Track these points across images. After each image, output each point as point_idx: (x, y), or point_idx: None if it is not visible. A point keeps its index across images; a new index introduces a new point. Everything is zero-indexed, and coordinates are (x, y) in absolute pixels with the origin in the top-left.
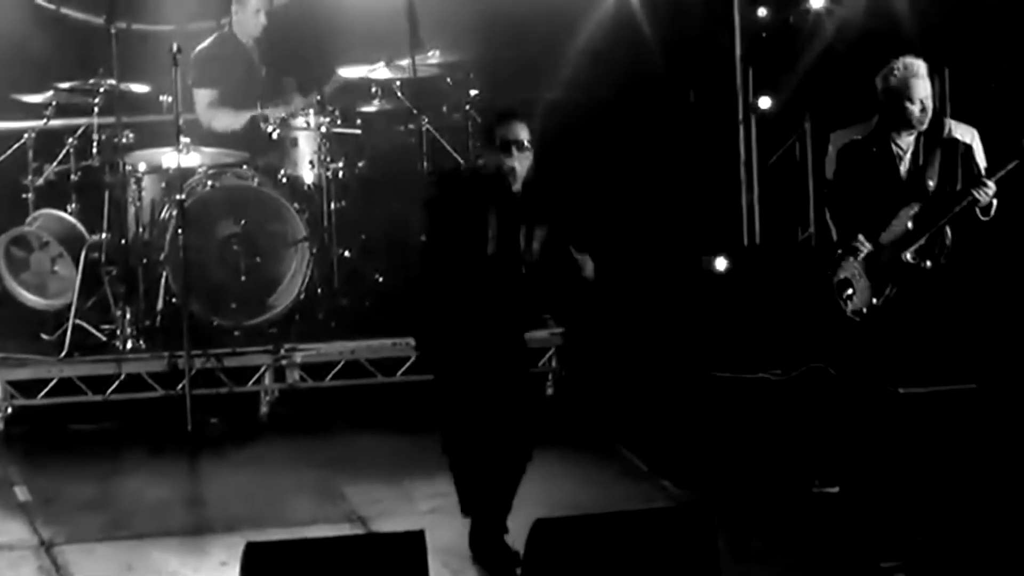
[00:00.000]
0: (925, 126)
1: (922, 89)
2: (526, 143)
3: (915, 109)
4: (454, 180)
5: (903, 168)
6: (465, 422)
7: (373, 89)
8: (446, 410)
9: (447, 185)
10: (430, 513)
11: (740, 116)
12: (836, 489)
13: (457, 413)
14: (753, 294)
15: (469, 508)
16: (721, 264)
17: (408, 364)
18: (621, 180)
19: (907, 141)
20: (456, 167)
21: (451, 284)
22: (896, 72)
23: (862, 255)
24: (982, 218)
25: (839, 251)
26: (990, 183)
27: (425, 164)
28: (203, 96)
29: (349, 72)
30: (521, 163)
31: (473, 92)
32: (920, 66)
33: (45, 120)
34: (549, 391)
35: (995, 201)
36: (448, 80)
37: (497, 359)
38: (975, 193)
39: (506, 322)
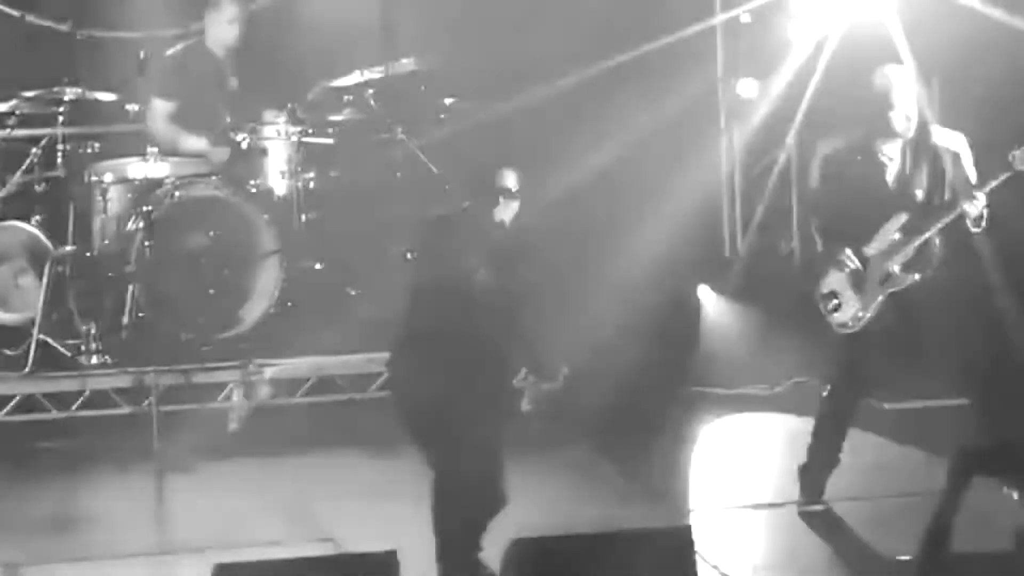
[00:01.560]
0: (911, 134)
1: (906, 98)
2: (515, 190)
3: (899, 117)
4: (440, 228)
5: (889, 177)
6: (451, 470)
7: (346, 98)
8: (429, 457)
9: (433, 233)
10: (404, 532)
11: (723, 125)
12: (822, 507)
13: (443, 459)
14: (736, 307)
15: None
16: None
17: (381, 380)
18: (600, 190)
19: (893, 149)
20: (442, 214)
21: (438, 335)
22: (878, 80)
23: (848, 267)
24: (973, 230)
25: (824, 262)
26: (980, 195)
27: (399, 173)
28: (161, 108)
29: (324, 81)
30: (509, 212)
31: (448, 100)
32: (903, 73)
33: (8, 129)
34: (526, 407)
35: (986, 212)
36: (422, 88)
37: (485, 406)
38: (965, 206)
39: (494, 368)
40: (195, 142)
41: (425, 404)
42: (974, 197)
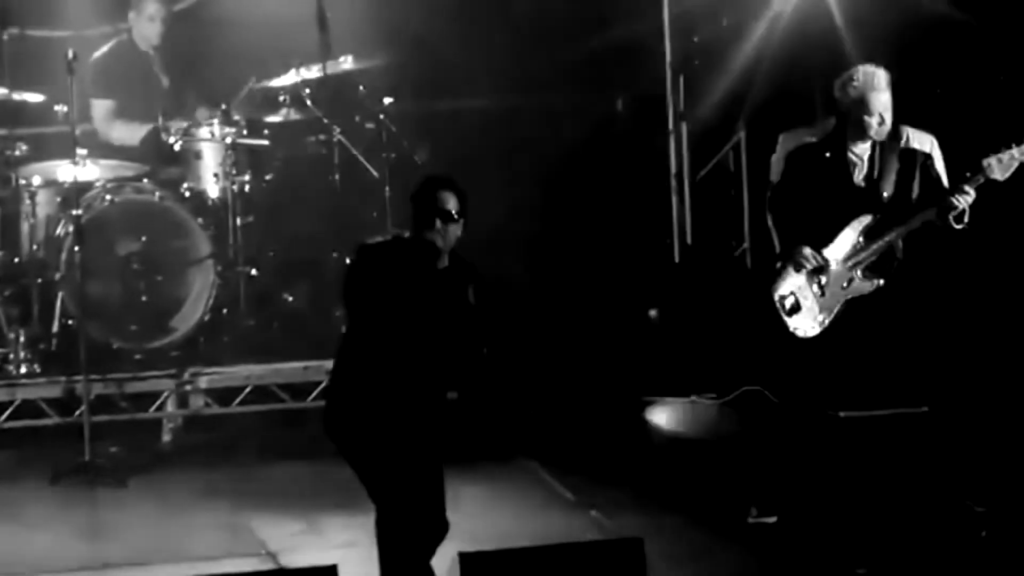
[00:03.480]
0: (883, 137)
1: (881, 102)
2: (455, 214)
3: (873, 122)
4: (374, 254)
5: (858, 176)
6: (391, 501)
7: (281, 98)
8: (374, 488)
9: (366, 260)
10: (344, 547)
11: (670, 125)
12: (773, 519)
13: (383, 491)
14: (685, 313)
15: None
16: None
17: (319, 388)
18: (544, 193)
19: (863, 148)
20: (378, 240)
21: (370, 367)
22: (856, 82)
23: (809, 269)
24: (956, 227)
25: (781, 263)
26: (960, 198)
27: (337, 176)
28: (100, 107)
29: (257, 81)
30: (447, 236)
31: (387, 100)
32: (881, 77)
33: None
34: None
35: (967, 209)
36: (361, 87)
37: (419, 441)
38: (952, 199)
39: (428, 405)
40: (140, 131)
41: (364, 431)
42: (961, 192)
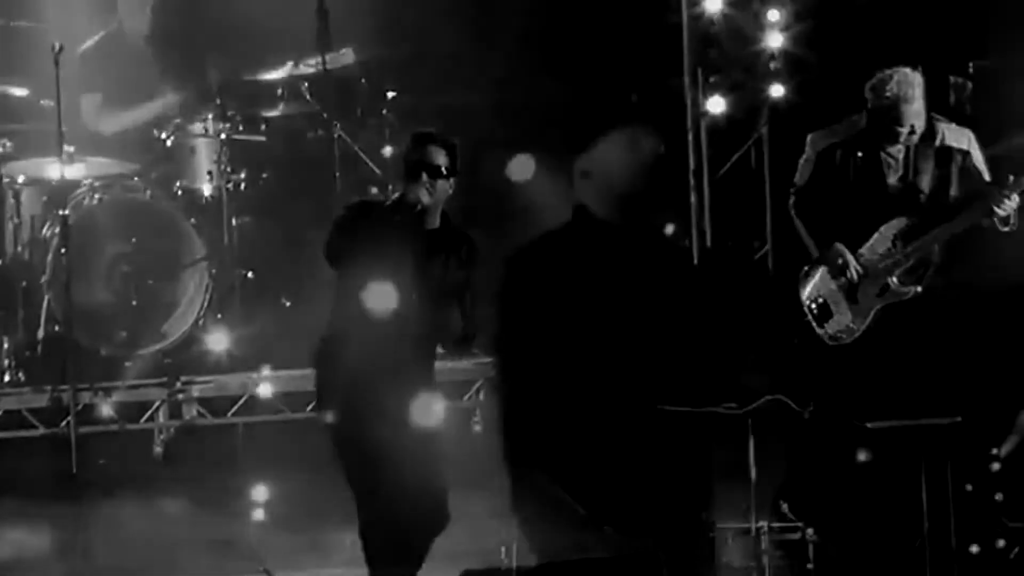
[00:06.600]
0: (915, 141)
1: (914, 113)
2: (443, 169)
3: (903, 131)
4: (359, 210)
5: (892, 177)
6: (376, 482)
7: (279, 91)
8: (357, 471)
9: (350, 215)
10: (344, 564)
11: (688, 120)
12: (796, 535)
13: (368, 473)
14: (703, 317)
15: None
16: None
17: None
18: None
19: (897, 149)
20: (366, 199)
21: (363, 336)
22: (889, 91)
23: (844, 273)
24: (1003, 229)
25: (813, 266)
26: (1014, 196)
27: (337, 174)
28: (89, 101)
29: (251, 73)
30: (435, 192)
31: (391, 94)
32: (915, 85)
33: None
34: (477, 427)
35: (1015, 212)
36: (363, 80)
37: (407, 416)
38: (994, 207)
39: (414, 378)
40: (138, 113)
41: (353, 412)
42: (1005, 197)
